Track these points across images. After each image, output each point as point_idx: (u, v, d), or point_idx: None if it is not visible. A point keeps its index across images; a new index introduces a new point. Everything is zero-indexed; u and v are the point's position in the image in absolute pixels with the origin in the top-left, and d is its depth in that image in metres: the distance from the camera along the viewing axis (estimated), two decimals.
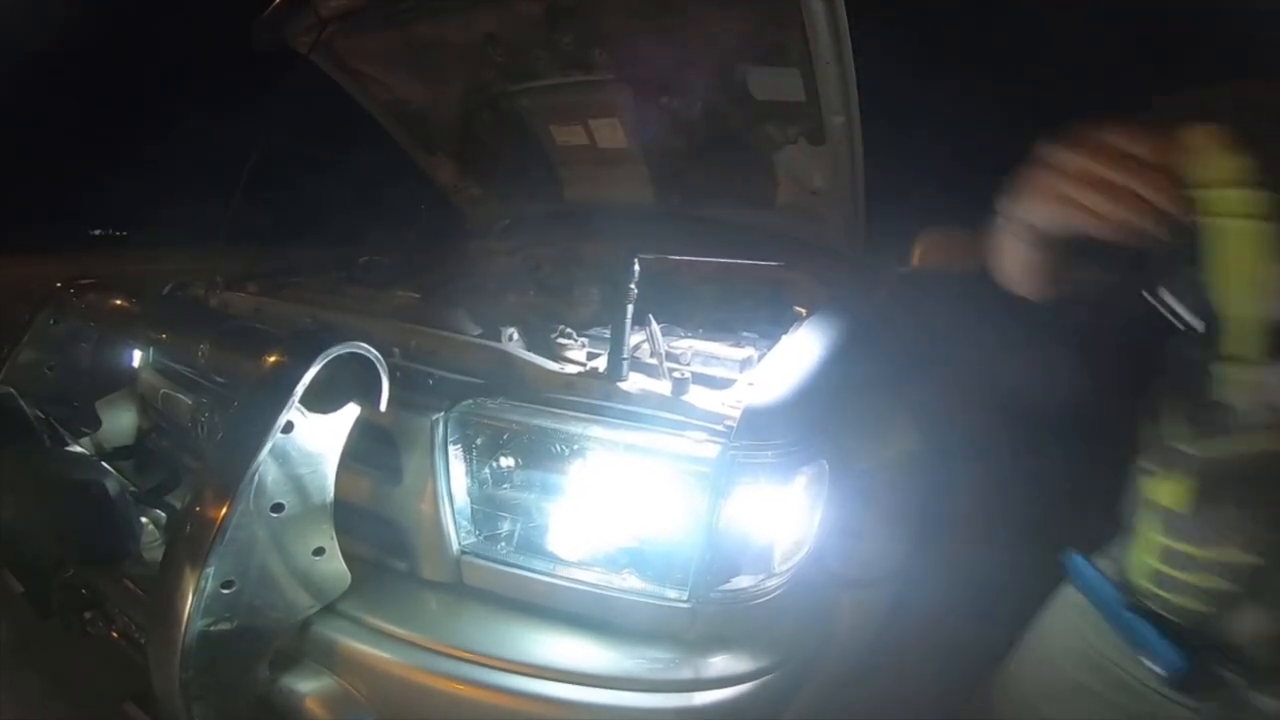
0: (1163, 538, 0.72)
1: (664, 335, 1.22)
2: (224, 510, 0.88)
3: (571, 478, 1.05)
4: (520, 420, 1.06)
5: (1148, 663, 0.74)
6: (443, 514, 1.06)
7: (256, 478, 0.90)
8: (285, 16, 1.90)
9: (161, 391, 1.44)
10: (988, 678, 0.99)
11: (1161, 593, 0.73)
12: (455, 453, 1.07)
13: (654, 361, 1.15)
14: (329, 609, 1.01)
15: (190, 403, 1.34)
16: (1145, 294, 0.62)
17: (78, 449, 1.32)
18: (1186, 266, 0.58)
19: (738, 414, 0.98)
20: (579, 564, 1.06)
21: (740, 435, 0.97)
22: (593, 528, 1.06)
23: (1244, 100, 0.65)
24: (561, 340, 1.23)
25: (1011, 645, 0.97)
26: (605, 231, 2.07)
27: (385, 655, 0.98)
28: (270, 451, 0.91)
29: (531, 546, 1.08)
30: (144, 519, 1.14)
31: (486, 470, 1.09)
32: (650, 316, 1.19)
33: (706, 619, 1.00)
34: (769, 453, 0.97)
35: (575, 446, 1.04)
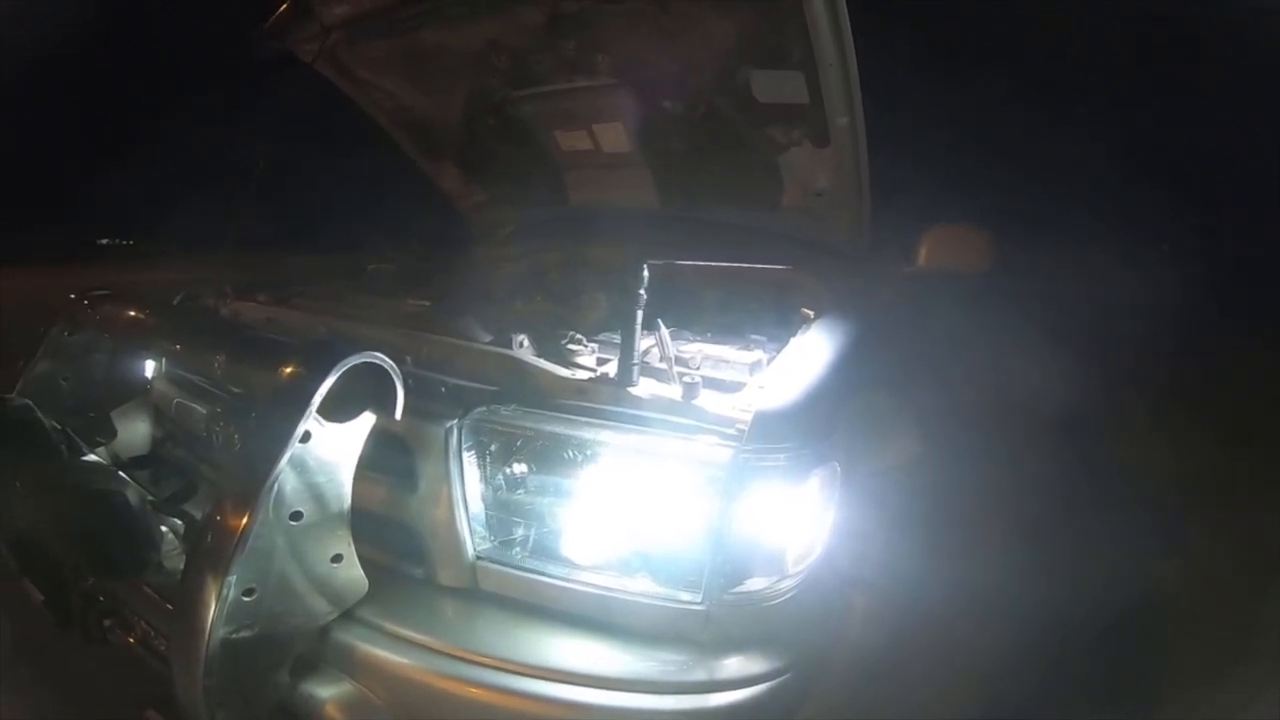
0: None
1: (673, 340, 1.23)
2: (245, 519, 0.89)
3: (584, 483, 1.06)
4: (533, 426, 1.07)
5: None
6: (458, 520, 1.08)
7: (276, 487, 0.91)
8: (288, 25, 1.91)
9: (175, 401, 1.45)
10: (997, 679, 1.00)
11: None
12: (469, 459, 1.08)
13: (664, 366, 1.15)
14: (347, 615, 1.03)
15: (204, 412, 1.35)
16: None
17: (95, 459, 1.33)
18: None
19: (749, 417, 0.99)
20: (593, 568, 1.07)
21: (752, 438, 0.97)
22: (606, 532, 1.07)
23: None
24: (572, 346, 1.24)
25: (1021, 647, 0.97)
26: (611, 236, 2.07)
27: (403, 660, 0.99)
28: (289, 461, 0.92)
29: (546, 551, 1.09)
30: (163, 528, 1.16)
31: (500, 476, 1.10)
32: (659, 321, 1.20)
33: (720, 621, 1.01)
34: (781, 455, 0.98)
35: (588, 452, 1.05)
